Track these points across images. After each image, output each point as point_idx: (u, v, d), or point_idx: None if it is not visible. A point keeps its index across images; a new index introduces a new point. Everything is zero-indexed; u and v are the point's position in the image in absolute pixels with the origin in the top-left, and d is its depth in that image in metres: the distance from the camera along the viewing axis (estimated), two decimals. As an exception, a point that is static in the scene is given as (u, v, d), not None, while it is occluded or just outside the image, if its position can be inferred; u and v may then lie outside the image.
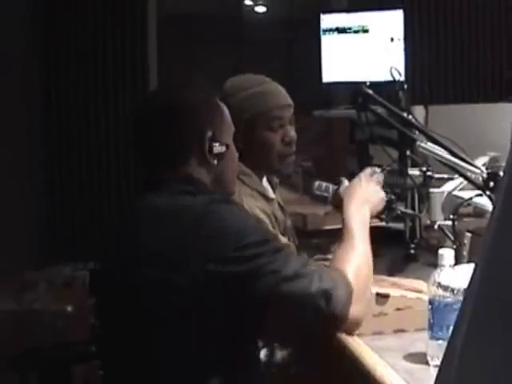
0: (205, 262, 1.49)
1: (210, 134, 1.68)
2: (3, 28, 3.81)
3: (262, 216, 2.17)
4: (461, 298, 1.58)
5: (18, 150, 3.86)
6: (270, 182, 2.36)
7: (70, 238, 4.15)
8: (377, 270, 2.46)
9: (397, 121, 2.32)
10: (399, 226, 2.71)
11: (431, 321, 1.67)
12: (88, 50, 4.26)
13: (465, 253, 2.47)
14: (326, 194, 2.26)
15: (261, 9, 7.28)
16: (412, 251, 2.69)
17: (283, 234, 2.27)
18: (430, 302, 1.68)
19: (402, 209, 2.39)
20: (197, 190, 1.64)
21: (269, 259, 1.53)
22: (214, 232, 1.53)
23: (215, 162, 1.69)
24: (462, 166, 2.18)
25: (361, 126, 2.52)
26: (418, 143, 2.16)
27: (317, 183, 2.28)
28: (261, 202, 2.14)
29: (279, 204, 2.41)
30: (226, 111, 1.77)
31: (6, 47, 3.85)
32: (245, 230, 1.55)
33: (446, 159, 2.18)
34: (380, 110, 2.35)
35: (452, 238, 2.46)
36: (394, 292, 1.96)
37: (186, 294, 1.49)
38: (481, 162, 2.78)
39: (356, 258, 1.81)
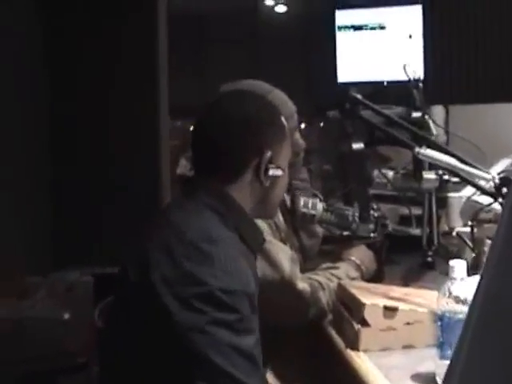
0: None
1: (269, 154, 1.58)
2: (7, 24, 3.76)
3: (261, 223, 2.05)
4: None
5: (22, 153, 3.79)
6: None
7: (75, 243, 4.07)
8: (391, 279, 2.37)
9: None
10: (416, 232, 2.59)
11: (440, 339, 1.54)
12: (97, 52, 4.20)
13: (484, 261, 2.34)
14: (313, 212, 2.17)
15: (281, 8, 7.22)
16: (429, 259, 2.59)
17: (284, 242, 2.15)
18: (440, 318, 1.55)
19: (394, 226, 2.28)
20: (226, 210, 1.54)
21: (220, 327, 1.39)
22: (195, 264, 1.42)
23: (268, 184, 1.60)
24: (469, 172, 2.03)
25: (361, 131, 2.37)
26: (417, 150, 2.01)
27: (302, 200, 2.18)
28: None
29: (287, 209, 2.29)
30: (289, 131, 1.71)
31: (13, 47, 3.79)
32: (223, 279, 1.42)
33: (450, 165, 2.03)
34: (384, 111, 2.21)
35: (471, 245, 2.37)
36: (403, 305, 1.83)
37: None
38: (504, 164, 2.65)
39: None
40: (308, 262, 2.38)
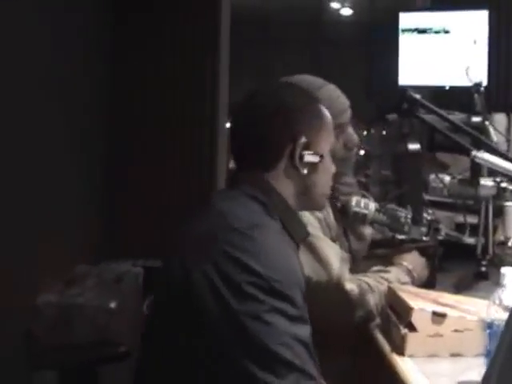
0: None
1: (304, 140, 1.57)
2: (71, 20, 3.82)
3: (312, 219, 2.03)
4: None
5: (78, 148, 3.86)
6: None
7: (128, 236, 4.11)
8: (443, 286, 2.33)
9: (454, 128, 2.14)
10: (471, 240, 2.53)
11: (488, 347, 1.50)
12: (158, 52, 4.25)
13: None
14: (365, 211, 2.13)
15: (347, 11, 7.18)
16: (483, 268, 2.52)
17: (334, 241, 2.12)
18: (489, 326, 1.51)
19: (448, 231, 2.23)
20: (268, 200, 1.53)
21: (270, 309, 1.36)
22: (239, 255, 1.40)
23: (305, 171, 1.58)
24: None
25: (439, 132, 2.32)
26: (474, 153, 1.96)
27: (355, 199, 2.15)
28: None
29: (338, 208, 2.26)
30: (329, 120, 1.66)
31: (76, 43, 3.86)
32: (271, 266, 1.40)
33: (508, 171, 1.98)
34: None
35: None
36: (452, 312, 1.79)
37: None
38: None
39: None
40: (357, 264, 2.36)
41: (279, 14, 6.13)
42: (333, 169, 1.68)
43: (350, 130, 2.19)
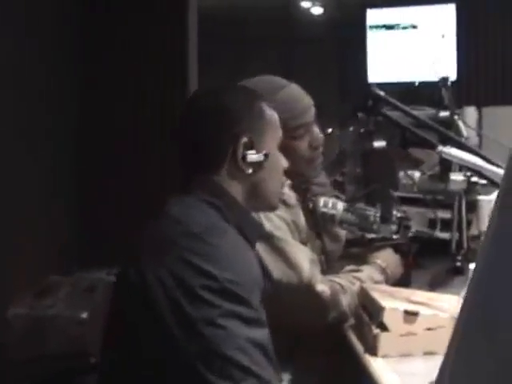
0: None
1: (245, 139, 1.55)
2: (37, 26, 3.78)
3: (280, 223, 2.01)
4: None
5: (45, 157, 3.81)
6: (295, 187, 2.19)
7: (100, 243, 4.07)
8: (418, 283, 2.31)
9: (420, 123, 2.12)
10: (445, 235, 2.52)
11: (460, 345, 1.47)
12: (127, 50, 4.21)
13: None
14: (333, 212, 2.11)
15: (317, 10, 7.16)
16: (458, 264, 2.51)
17: (305, 243, 2.10)
18: (460, 323, 1.48)
19: (419, 227, 2.22)
20: (223, 204, 1.52)
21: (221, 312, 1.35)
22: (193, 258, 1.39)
23: (250, 171, 1.56)
24: (498, 174, 1.95)
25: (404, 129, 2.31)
26: (440, 148, 1.95)
27: (322, 200, 2.13)
28: (280, 208, 1.98)
29: (309, 210, 2.24)
30: (273, 117, 1.64)
31: (40, 43, 3.81)
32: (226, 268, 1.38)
33: (476, 166, 1.96)
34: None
35: None
36: (424, 310, 1.77)
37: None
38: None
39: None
40: (332, 265, 2.34)
41: (249, 12, 6.12)
42: (283, 165, 1.66)
43: (315, 129, 2.16)
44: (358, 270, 2.15)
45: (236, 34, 6.31)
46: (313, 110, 2.13)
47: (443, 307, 1.80)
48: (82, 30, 4.23)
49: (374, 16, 3.74)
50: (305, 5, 7.06)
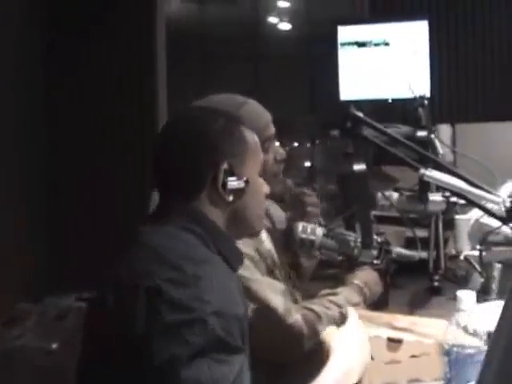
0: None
1: (225, 166, 1.49)
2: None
3: (245, 262, 1.92)
4: (483, 349, 1.36)
5: (12, 181, 3.73)
6: None
7: (68, 268, 4.00)
8: (397, 304, 2.28)
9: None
10: (423, 255, 2.50)
11: (448, 375, 1.44)
12: (93, 65, 4.18)
13: (494, 286, 2.29)
14: (312, 237, 2.06)
15: (285, 26, 7.16)
16: (436, 283, 2.53)
17: (272, 270, 2.04)
18: (448, 353, 1.44)
19: (398, 250, 2.19)
20: (203, 230, 1.47)
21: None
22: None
23: (231, 198, 1.50)
24: (477, 195, 1.93)
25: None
26: (422, 171, 1.92)
27: (301, 225, 2.07)
28: (244, 241, 1.92)
29: (274, 228, 2.19)
30: (254, 141, 1.59)
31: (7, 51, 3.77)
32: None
33: (456, 188, 1.94)
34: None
35: (479, 269, 2.30)
36: (408, 336, 1.73)
37: None
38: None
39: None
40: (306, 282, 2.29)
41: (216, 29, 6.10)
42: (265, 189, 1.61)
43: (276, 144, 2.12)
44: (333, 294, 2.10)
45: (200, 50, 6.29)
46: (272, 127, 2.09)
47: (427, 333, 1.76)
48: (46, 34, 4.20)
49: (345, 33, 3.73)
50: (272, 20, 7.07)
